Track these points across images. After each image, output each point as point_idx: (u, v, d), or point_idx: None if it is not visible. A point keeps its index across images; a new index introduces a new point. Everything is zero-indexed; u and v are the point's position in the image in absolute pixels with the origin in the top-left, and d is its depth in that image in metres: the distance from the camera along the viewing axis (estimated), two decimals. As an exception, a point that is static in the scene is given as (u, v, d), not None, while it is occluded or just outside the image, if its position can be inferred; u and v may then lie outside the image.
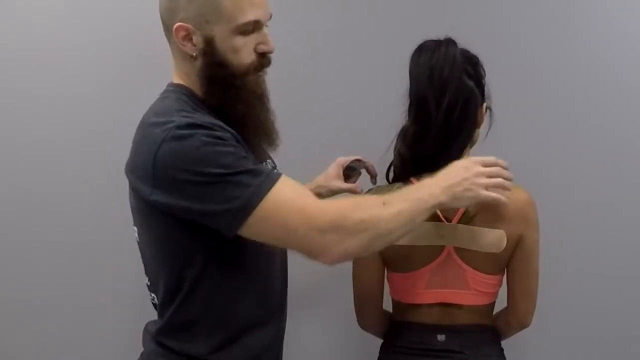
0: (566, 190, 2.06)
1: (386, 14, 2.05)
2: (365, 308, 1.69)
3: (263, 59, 1.38)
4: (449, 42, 1.51)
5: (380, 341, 1.69)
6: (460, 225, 1.52)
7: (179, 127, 1.25)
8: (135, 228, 1.42)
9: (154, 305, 1.44)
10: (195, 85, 1.38)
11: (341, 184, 1.75)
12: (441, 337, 1.56)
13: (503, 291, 1.62)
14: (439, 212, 1.51)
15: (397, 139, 1.55)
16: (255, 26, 1.35)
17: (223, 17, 1.32)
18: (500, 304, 1.65)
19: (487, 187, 1.35)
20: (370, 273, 1.63)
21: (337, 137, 2.01)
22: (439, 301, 1.57)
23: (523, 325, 1.66)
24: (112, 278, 2.02)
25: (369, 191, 1.64)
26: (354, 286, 1.67)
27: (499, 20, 2.07)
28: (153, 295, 1.43)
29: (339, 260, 1.29)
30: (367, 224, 1.26)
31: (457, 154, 1.47)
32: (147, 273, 1.44)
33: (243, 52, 1.35)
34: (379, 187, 1.65)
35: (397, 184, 1.53)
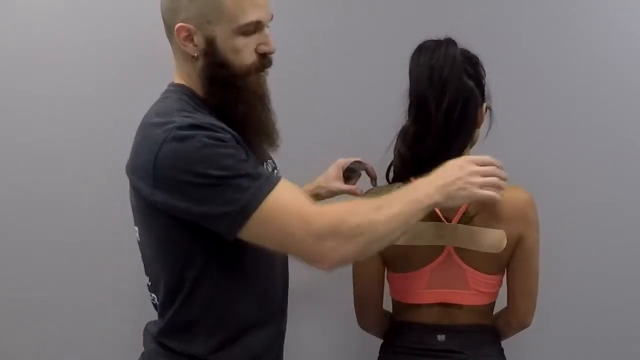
0: (566, 190, 2.06)
1: (386, 14, 2.05)
2: (365, 308, 1.69)
3: (264, 59, 1.38)
4: (449, 42, 1.51)
5: (380, 341, 1.69)
6: (461, 226, 1.52)
7: (180, 128, 1.25)
8: (136, 228, 1.42)
9: (154, 305, 1.44)
10: (196, 86, 1.38)
11: (341, 185, 1.75)
12: (441, 337, 1.56)
13: (503, 291, 1.62)
14: (439, 212, 1.51)
15: (397, 139, 1.55)
16: (256, 27, 1.35)
17: (225, 18, 1.32)
18: (500, 304, 1.64)
19: (481, 186, 1.35)
20: (370, 273, 1.63)
21: (338, 137, 2.01)
22: (439, 301, 1.57)
23: (523, 325, 1.65)
24: (112, 278, 2.02)
25: (369, 191, 1.64)
26: (354, 286, 1.67)
27: (499, 20, 2.07)
28: (153, 295, 1.43)
29: (336, 266, 1.29)
30: (364, 228, 1.26)
31: (457, 154, 1.47)
32: (147, 273, 1.44)
33: (244, 52, 1.35)
34: (379, 187, 1.65)
35: (397, 184, 1.53)
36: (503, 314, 1.66)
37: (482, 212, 1.51)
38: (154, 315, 1.44)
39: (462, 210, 1.52)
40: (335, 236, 1.24)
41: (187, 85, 1.39)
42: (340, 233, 1.25)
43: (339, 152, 1.81)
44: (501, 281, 1.60)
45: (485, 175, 1.36)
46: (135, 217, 1.40)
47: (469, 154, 1.54)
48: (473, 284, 1.55)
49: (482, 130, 1.57)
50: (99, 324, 2.04)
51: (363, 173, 1.78)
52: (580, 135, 2.07)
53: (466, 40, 1.52)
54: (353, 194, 1.74)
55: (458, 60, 1.48)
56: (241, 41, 1.34)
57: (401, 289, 1.61)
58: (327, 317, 2.11)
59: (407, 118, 1.53)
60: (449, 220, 1.52)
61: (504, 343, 1.67)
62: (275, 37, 1.39)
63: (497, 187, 1.37)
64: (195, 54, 1.35)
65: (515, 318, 1.64)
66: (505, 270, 1.59)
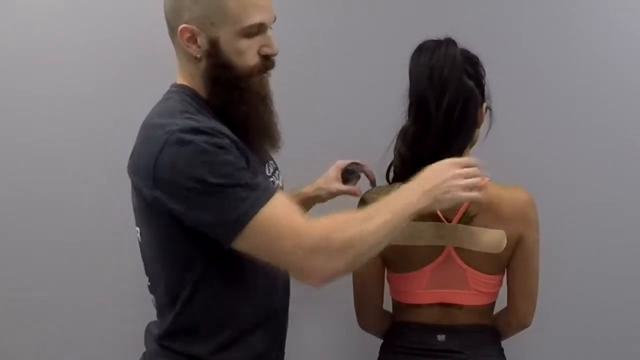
0: (567, 190, 2.06)
1: (387, 14, 2.05)
2: (365, 308, 1.69)
3: (267, 61, 1.38)
4: (449, 42, 1.51)
5: (380, 341, 1.69)
6: (461, 226, 1.52)
7: (181, 131, 1.25)
8: (138, 228, 1.42)
9: (155, 306, 1.44)
10: (199, 86, 1.38)
11: (340, 186, 1.75)
12: (441, 337, 1.56)
13: (503, 291, 1.62)
14: (439, 213, 1.51)
15: (397, 139, 1.55)
16: (259, 29, 1.35)
17: (228, 20, 1.32)
18: (500, 304, 1.65)
19: (464, 189, 1.36)
20: (370, 273, 1.63)
21: (338, 138, 2.01)
22: (439, 301, 1.57)
23: (523, 325, 1.66)
24: (112, 278, 2.02)
25: (369, 191, 1.64)
26: (354, 286, 1.67)
27: (499, 20, 2.07)
28: (153, 296, 1.43)
29: (327, 280, 1.29)
30: (354, 240, 1.26)
31: (457, 154, 1.47)
32: (147, 273, 1.44)
33: (247, 54, 1.35)
34: (378, 187, 1.65)
35: (397, 184, 1.53)
36: (503, 314, 1.66)
37: (482, 212, 1.51)
38: (154, 315, 1.44)
39: (462, 210, 1.52)
40: (326, 250, 1.24)
41: (189, 86, 1.39)
42: (330, 247, 1.25)
43: (339, 152, 1.81)
44: (501, 281, 1.61)
45: (467, 176, 1.37)
46: (136, 217, 1.40)
47: (469, 154, 1.54)
48: (473, 284, 1.55)
49: (482, 130, 1.57)
50: (99, 324, 2.04)
51: (362, 175, 1.78)
52: (580, 135, 2.07)
53: (466, 40, 1.52)
54: (353, 194, 1.73)
55: (458, 60, 1.48)
56: (244, 43, 1.34)
57: (401, 289, 1.61)
58: (327, 317, 2.11)
59: (407, 118, 1.53)
60: (449, 221, 1.52)
61: (504, 343, 1.67)
62: (275, 37, 1.39)
63: (478, 188, 1.38)
64: (199, 55, 1.35)
65: (515, 318, 1.64)
66: (506, 270, 1.59)
